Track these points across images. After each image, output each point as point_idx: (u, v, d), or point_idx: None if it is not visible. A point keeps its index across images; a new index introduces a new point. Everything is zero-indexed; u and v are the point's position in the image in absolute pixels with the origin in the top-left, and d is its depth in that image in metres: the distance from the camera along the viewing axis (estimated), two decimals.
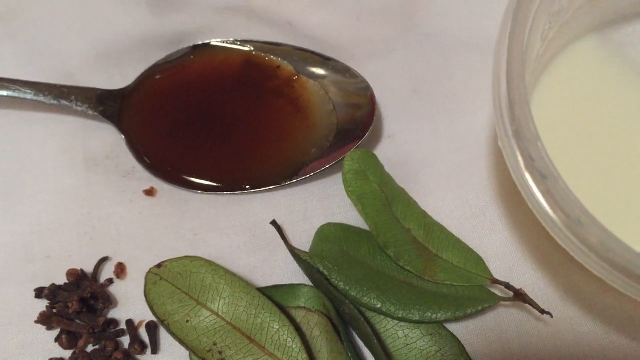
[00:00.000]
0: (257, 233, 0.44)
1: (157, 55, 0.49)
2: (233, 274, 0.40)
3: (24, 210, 0.44)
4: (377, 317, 0.41)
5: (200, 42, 0.49)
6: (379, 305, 0.40)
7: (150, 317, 0.41)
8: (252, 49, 0.48)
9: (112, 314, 0.42)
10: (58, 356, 0.40)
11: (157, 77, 0.48)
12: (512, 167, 0.34)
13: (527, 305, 0.41)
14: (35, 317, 0.41)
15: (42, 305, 0.41)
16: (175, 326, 0.38)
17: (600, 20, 0.45)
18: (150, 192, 0.45)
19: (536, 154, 0.31)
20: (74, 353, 0.40)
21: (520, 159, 0.33)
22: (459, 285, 0.41)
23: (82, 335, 0.40)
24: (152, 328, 0.41)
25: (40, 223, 0.44)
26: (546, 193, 0.32)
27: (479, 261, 0.42)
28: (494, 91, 0.35)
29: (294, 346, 0.38)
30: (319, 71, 0.47)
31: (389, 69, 0.50)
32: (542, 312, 0.40)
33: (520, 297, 0.40)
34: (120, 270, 0.43)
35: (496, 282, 0.41)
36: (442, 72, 0.50)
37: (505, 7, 0.36)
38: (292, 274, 0.43)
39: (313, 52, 0.48)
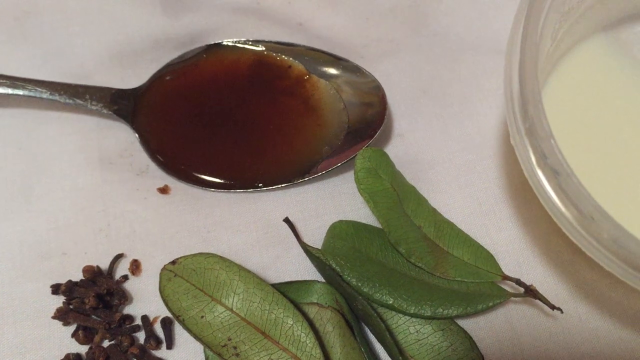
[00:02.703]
0: (270, 230, 0.45)
1: (169, 55, 0.49)
2: (247, 270, 0.40)
3: (40, 208, 0.45)
4: (388, 313, 0.42)
5: (212, 42, 0.49)
6: (391, 302, 0.40)
7: (164, 312, 0.42)
8: (264, 48, 0.49)
9: (128, 309, 0.43)
10: (75, 351, 0.41)
11: (170, 76, 0.48)
12: (524, 164, 0.34)
13: (536, 301, 0.42)
14: (52, 313, 0.41)
15: (59, 301, 0.42)
16: (190, 322, 0.39)
17: (608, 20, 0.45)
18: (164, 190, 0.46)
19: (549, 151, 0.31)
20: (90, 348, 0.40)
21: (532, 156, 0.33)
22: (469, 282, 0.42)
23: (98, 330, 0.41)
24: (167, 323, 0.42)
25: (56, 220, 0.45)
26: (558, 189, 0.32)
27: (489, 258, 0.43)
28: (505, 90, 0.35)
29: (307, 341, 0.39)
30: (330, 71, 0.48)
31: (398, 69, 0.51)
32: (553, 307, 0.40)
33: (531, 293, 0.41)
34: (135, 266, 0.43)
35: (507, 278, 0.42)
36: (451, 73, 0.51)
37: (516, 7, 0.36)
38: (304, 270, 0.44)
39: (324, 52, 0.48)
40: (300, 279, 0.43)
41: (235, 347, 0.38)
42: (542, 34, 0.35)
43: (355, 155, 0.44)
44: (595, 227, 0.31)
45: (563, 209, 0.32)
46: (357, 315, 0.42)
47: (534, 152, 0.33)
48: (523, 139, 0.33)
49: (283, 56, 0.49)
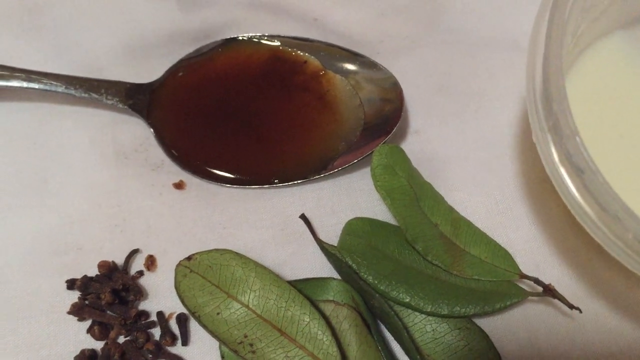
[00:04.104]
0: (286, 227, 0.45)
1: (184, 50, 0.49)
2: (263, 267, 0.40)
3: (55, 203, 0.45)
4: (404, 311, 0.41)
5: (227, 37, 0.49)
6: (407, 300, 0.40)
7: (180, 309, 0.42)
8: (279, 43, 0.48)
9: (143, 305, 0.42)
10: (90, 347, 0.41)
11: (185, 71, 0.48)
12: (547, 162, 0.34)
13: (554, 300, 0.41)
14: (67, 308, 0.41)
15: (74, 296, 0.42)
16: (206, 318, 0.39)
17: (627, 17, 0.45)
18: (179, 186, 0.46)
19: (574, 149, 0.31)
20: (105, 344, 0.40)
21: (555, 153, 0.33)
22: (486, 280, 0.41)
23: (114, 326, 0.40)
24: (182, 320, 0.41)
25: (71, 215, 0.44)
26: (582, 188, 0.32)
27: (506, 256, 0.42)
28: (528, 86, 0.35)
29: (324, 339, 0.38)
30: (346, 66, 0.48)
31: (414, 65, 0.50)
32: (571, 307, 0.40)
33: (549, 292, 0.40)
34: (151, 262, 0.43)
35: (524, 277, 0.41)
36: (467, 69, 0.50)
37: (533, 3, 0.36)
38: (320, 267, 0.44)
39: (340, 48, 0.48)
40: (316, 276, 0.43)
41: (251, 344, 0.38)
42: (564, 29, 0.35)
43: (372, 152, 0.44)
44: (620, 226, 0.31)
45: (587, 207, 0.32)
46: (373, 313, 0.41)
47: (557, 150, 0.33)
48: (546, 137, 0.33)
49: (299, 51, 0.48)
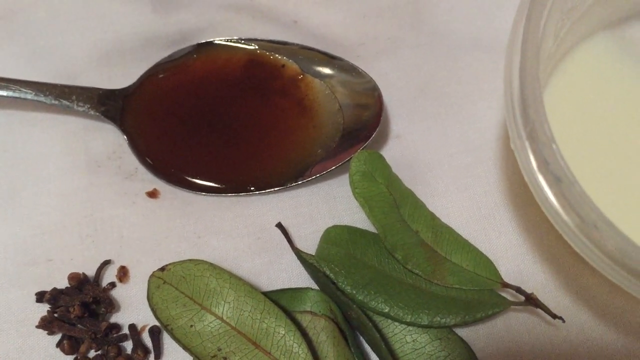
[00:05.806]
0: (262, 235, 0.44)
1: (159, 55, 0.48)
2: (238, 278, 0.39)
3: (25, 213, 0.44)
4: (384, 322, 0.40)
5: (203, 41, 0.48)
6: (387, 310, 0.39)
7: (153, 321, 0.41)
8: (257, 47, 0.47)
9: (115, 318, 0.41)
10: None
11: (160, 76, 0.47)
12: (525, 169, 0.33)
13: (538, 309, 0.40)
14: (36, 321, 0.40)
15: (43, 309, 0.41)
16: (178, 331, 0.38)
17: (611, 18, 0.44)
18: (153, 194, 0.45)
19: (551, 157, 0.30)
20: (75, 358, 0.39)
21: (533, 161, 0.32)
22: (468, 289, 0.40)
23: (84, 340, 0.39)
24: (155, 333, 0.40)
25: (41, 225, 0.43)
26: (560, 196, 0.31)
27: (489, 264, 0.41)
28: (505, 92, 0.34)
29: (300, 352, 0.37)
30: (325, 70, 0.47)
31: (396, 68, 0.49)
32: (554, 317, 0.39)
33: (531, 301, 0.39)
34: (123, 273, 0.42)
35: (506, 285, 0.40)
36: (450, 72, 0.49)
37: (517, 5, 0.35)
38: (297, 277, 0.43)
39: (319, 51, 0.47)
40: (293, 286, 0.42)
41: (225, 358, 0.37)
42: (544, 32, 0.34)
43: (351, 158, 0.42)
44: (598, 236, 0.30)
45: (565, 216, 0.31)
46: (351, 324, 0.40)
47: (535, 158, 0.32)
48: (524, 144, 0.32)
49: (277, 55, 0.47)
